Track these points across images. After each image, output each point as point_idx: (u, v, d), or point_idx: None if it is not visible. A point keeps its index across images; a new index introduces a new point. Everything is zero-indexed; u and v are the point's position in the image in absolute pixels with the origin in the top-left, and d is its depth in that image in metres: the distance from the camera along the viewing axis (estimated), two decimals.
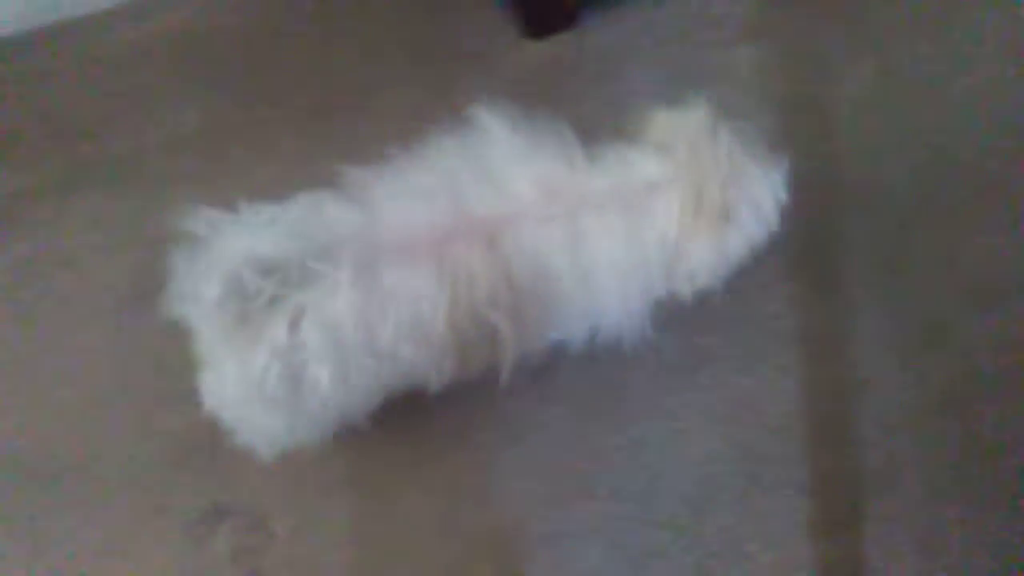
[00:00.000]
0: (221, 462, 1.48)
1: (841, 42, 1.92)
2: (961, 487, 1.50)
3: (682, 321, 1.45)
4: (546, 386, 1.54)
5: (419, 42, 1.90)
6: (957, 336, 1.62)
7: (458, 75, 1.86)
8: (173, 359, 1.53)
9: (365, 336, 1.07)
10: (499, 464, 1.49)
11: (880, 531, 1.46)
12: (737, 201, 1.19)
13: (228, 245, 1.07)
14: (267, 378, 1.06)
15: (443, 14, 1.92)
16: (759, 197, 1.23)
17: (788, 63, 1.88)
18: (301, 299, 1.05)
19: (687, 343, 1.57)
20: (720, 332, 1.59)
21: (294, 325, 1.05)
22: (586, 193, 1.17)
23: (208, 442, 1.48)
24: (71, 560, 1.43)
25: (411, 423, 1.50)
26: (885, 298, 1.65)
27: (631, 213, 1.18)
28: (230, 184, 1.71)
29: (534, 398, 1.54)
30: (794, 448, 1.52)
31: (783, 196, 1.27)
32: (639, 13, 1.91)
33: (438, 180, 1.15)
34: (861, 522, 1.48)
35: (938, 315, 1.64)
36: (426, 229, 1.11)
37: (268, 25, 1.93)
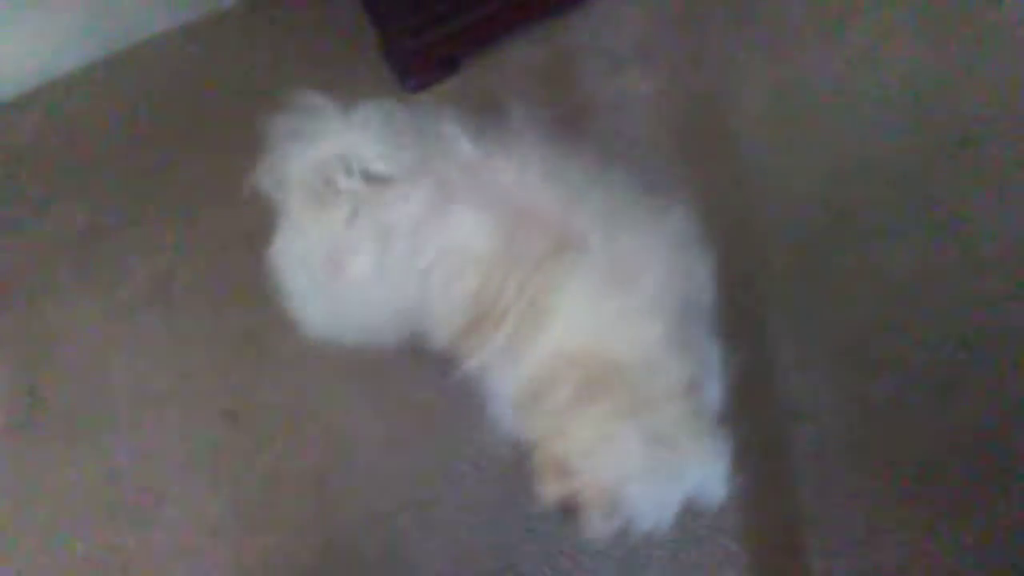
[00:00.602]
0: None
1: (734, 59, 1.85)
2: (901, 513, 1.43)
3: None
4: (466, 455, 1.49)
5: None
6: (886, 352, 1.56)
7: None
8: (64, 484, 1.48)
9: (411, 248, 1.12)
10: (419, 548, 1.43)
11: (821, 570, 1.39)
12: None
13: (330, 132, 1.14)
14: (312, 257, 1.16)
15: (321, 77, 1.85)
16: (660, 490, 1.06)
17: (681, 87, 1.81)
18: (370, 194, 1.11)
19: None
20: None
21: (353, 215, 1.11)
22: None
23: (116, 568, 1.43)
24: None
25: (310, 521, 1.45)
26: (808, 322, 1.59)
27: None
28: (112, 284, 1.64)
29: (453, 463, 1.48)
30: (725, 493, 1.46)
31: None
32: (521, 52, 1.84)
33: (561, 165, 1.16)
34: (801, 563, 1.41)
35: (864, 332, 1.58)
36: (516, 194, 1.12)
37: (127, 118, 1.84)
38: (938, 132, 1.76)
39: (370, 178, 1.12)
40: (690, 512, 1.38)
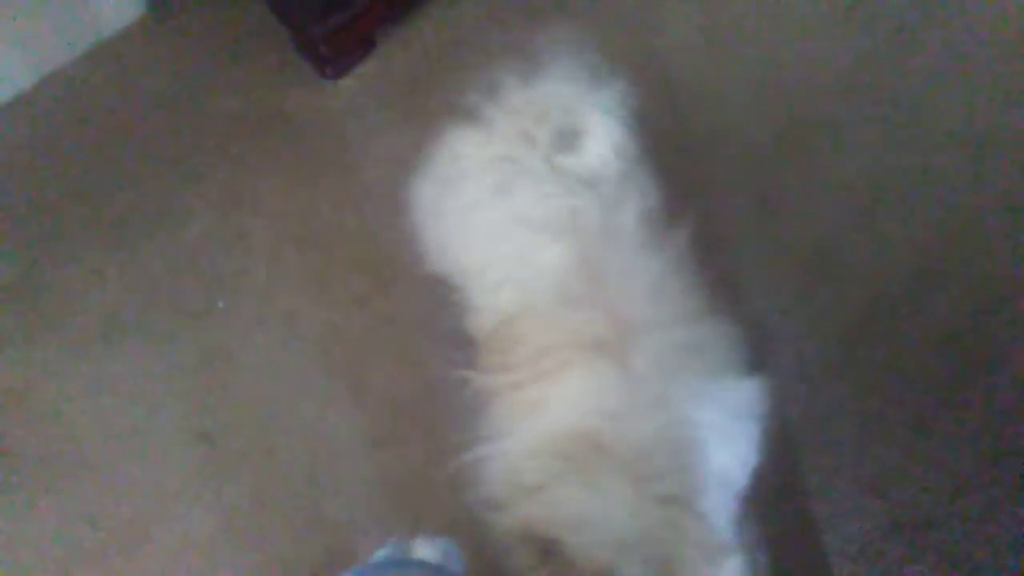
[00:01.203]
0: None
1: None
2: (892, 418, 1.42)
3: None
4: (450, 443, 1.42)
5: (210, 120, 1.76)
6: (850, 261, 1.54)
7: (268, 145, 1.73)
8: (45, 532, 1.43)
9: (514, 217, 1.14)
10: None
11: (822, 485, 1.38)
12: None
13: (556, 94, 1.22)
14: (449, 182, 1.21)
15: (237, 81, 1.79)
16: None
17: (606, 27, 1.76)
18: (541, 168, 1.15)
19: None
20: None
21: (507, 179, 1.15)
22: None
23: None
24: None
25: (305, 530, 1.41)
26: (766, 240, 1.56)
27: None
28: (60, 327, 1.59)
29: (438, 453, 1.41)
30: None
31: None
32: (436, 18, 1.78)
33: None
34: (802, 482, 1.40)
35: (821, 245, 1.56)
36: (614, 279, 1.10)
37: (47, 151, 1.77)
38: (873, 26, 1.73)
39: (559, 162, 1.16)
40: None
